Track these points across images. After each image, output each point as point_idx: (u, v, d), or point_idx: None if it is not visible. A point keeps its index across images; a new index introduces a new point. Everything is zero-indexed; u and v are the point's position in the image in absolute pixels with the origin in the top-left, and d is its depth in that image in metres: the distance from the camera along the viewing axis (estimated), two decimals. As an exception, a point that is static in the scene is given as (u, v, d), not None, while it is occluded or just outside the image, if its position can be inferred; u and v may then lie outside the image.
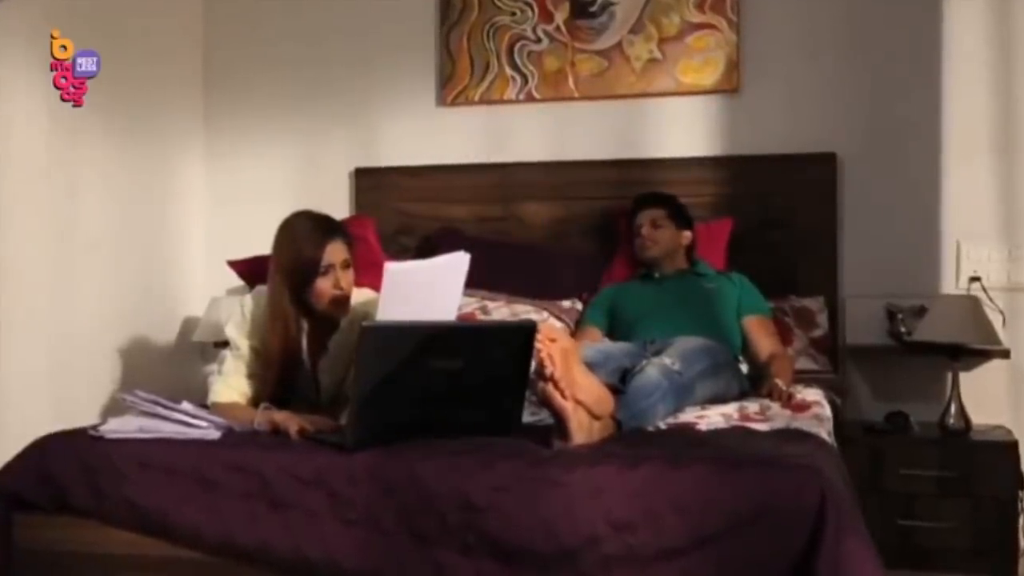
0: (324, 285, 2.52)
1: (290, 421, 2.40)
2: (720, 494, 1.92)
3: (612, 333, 3.23)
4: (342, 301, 2.56)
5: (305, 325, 2.60)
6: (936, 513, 3.09)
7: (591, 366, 2.39)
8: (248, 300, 2.63)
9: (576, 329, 3.32)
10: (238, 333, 2.60)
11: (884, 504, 3.07)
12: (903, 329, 3.38)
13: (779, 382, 2.82)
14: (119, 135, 3.68)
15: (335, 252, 2.53)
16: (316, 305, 2.55)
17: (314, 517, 2.11)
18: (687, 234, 3.36)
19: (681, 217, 3.37)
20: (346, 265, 2.55)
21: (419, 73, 3.97)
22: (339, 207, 3.98)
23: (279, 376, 2.56)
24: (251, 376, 2.59)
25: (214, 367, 2.62)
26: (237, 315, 2.63)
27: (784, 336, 3.28)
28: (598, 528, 1.94)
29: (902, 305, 3.42)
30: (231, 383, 2.58)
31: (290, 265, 2.52)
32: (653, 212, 3.35)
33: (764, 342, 3.10)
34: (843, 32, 3.63)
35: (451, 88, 3.92)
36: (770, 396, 2.77)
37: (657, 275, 3.34)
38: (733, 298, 3.18)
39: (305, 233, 2.54)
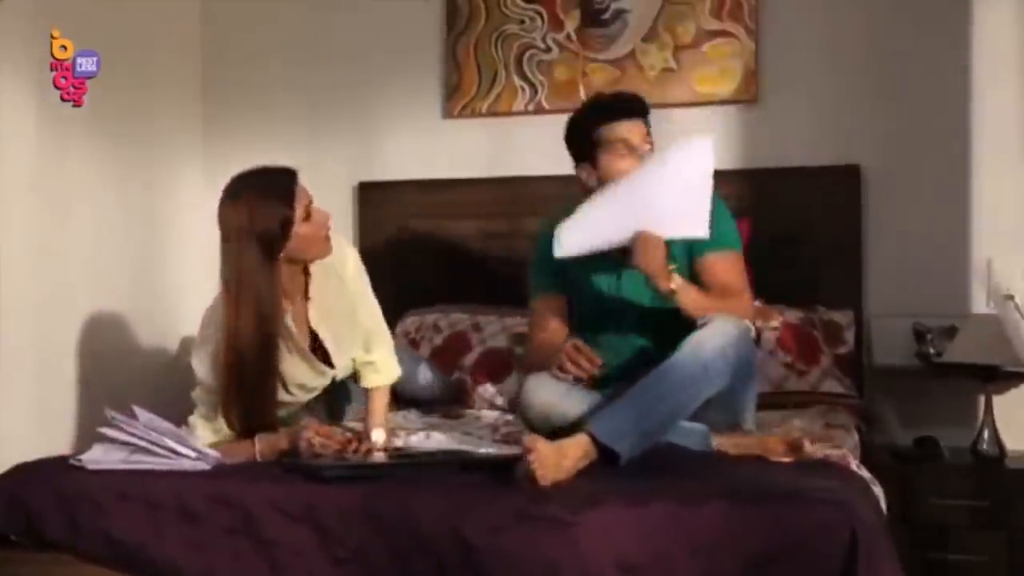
0: (309, 230, 2.40)
1: (299, 439, 2.32)
2: (739, 533, 1.77)
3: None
4: (328, 237, 2.47)
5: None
6: (969, 545, 2.92)
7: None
8: (209, 329, 2.46)
9: (532, 301, 2.77)
10: (208, 366, 2.43)
11: (913, 536, 2.90)
12: (932, 350, 3.21)
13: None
14: (114, 150, 3.57)
15: (303, 194, 2.42)
16: (299, 256, 2.43)
17: (302, 555, 1.97)
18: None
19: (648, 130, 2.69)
20: (311, 201, 2.45)
21: (424, 84, 3.85)
22: (342, 222, 3.84)
23: (268, 360, 2.39)
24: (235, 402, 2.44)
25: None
26: (201, 347, 2.47)
27: (810, 353, 3.11)
28: (605, 571, 1.79)
29: (931, 325, 3.25)
30: (214, 425, 2.44)
31: (264, 232, 2.34)
32: (639, 125, 2.65)
33: (719, 277, 2.54)
34: (866, 39, 3.48)
35: (457, 100, 3.79)
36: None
37: None
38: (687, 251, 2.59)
39: (267, 191, 2.39)
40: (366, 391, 2.67)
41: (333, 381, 2.66)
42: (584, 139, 2.65)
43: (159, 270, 3.84)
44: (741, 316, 2.46)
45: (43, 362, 3.24)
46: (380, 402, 2.64)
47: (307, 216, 2.41)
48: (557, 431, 2.25)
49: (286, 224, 2.37)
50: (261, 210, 2.36)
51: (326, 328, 2.54)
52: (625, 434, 2.12)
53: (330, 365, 2.57)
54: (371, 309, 2.68)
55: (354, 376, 2.69)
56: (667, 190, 2.47)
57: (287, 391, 2.53)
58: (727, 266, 2.60)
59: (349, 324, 2.59)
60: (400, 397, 2.98)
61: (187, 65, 4.04)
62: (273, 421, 2.45)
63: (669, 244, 2.50)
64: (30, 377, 3.18)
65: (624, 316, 2.63)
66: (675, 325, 2.43)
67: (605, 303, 2.64)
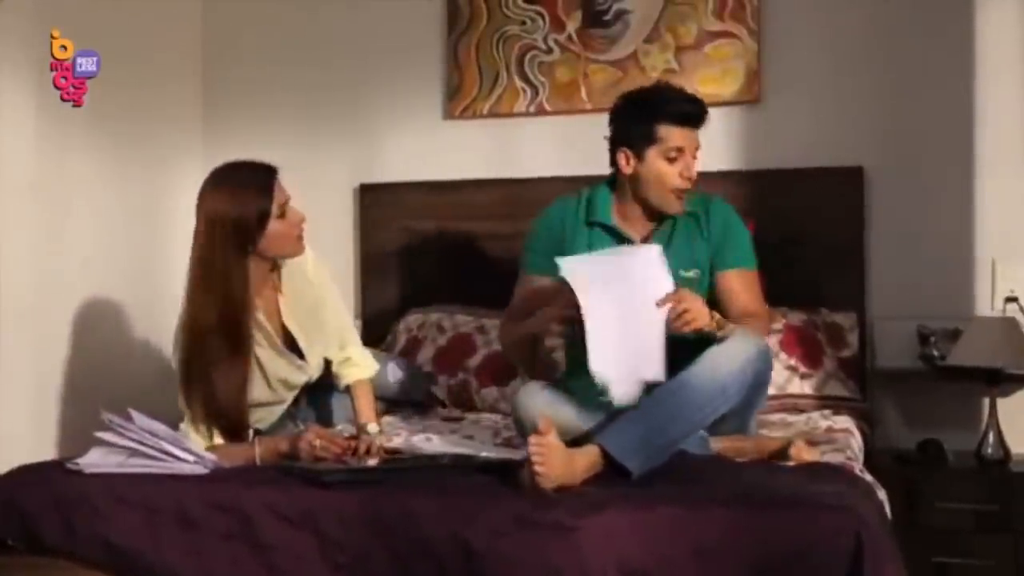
0: (282, 227, 2.42)
1: (300, 441, 2.30)
2: (744, 539, 1.75)
3: None
4: (301, 237, 2.48)
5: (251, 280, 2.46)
6: (974, 549, 2.90)
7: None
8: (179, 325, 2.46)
9: (521, 274, 2.69)
10: None
11: (918, 540, 2.86)
12: (936, 353, 3.20)
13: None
14: (114, 150, 3.55)
15: (281, 191, 2.44)
16: (270, 252, 2.45)
17: (301, 560, 1.95)
18: None
19: None
20: (288, 200, 2.46)
21: (425, 85, 3.82)
22: (343, 224, 3.88)
23: (238, 349, 2.39)
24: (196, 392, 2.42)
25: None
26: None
27: (813, 355, 3.09)
28: (608, 576, 1.77)
29: (934, 327, 3.24)
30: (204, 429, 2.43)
31: (240, 219, 2.37)
32: (696, 136, 2.57)
33: (741, 298, 2.53)
34: (869, 40, 3.46)
35: (458, 101, 3.77)
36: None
37: (621, 232, 2.60)
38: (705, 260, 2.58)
39: (247, 182, 2.42)
40: (348, 389, 2.66)
41: (315, 387, 2.65)
42: (641, 129, 2.55)
43: (159, 270, 3.80)
44: (760, 334, 2.44)
45: (41, 363, 3.22)
46: (366, 397, 2.63)
47: (282, 214, 2.43)
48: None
49: (263, 216, 2.39)
50: (239, 200, 2.39)
51: (296, 323, 2.55)
52: (637, 450, 2.08)
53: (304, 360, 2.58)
54: (336, 306, 2.68)
55: (332, 379, 2.68)
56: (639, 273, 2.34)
57: (270, 387, 2.52)
58: (747, 285, 2.58)
59: (317, 320, 2.60)
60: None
61: (187, 65, 4.02)
62: (245, 418, 2.44)
63: (691, 252, 2.53)
64: (28, 378, 3.16)
65: None
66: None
67: None
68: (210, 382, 2.38)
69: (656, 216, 2.61)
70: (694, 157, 2.56)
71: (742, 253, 2.61)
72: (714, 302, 2.57)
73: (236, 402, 2.41)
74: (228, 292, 2.38)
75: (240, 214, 2.37)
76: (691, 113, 2.55)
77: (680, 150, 2.53)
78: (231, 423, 2.41)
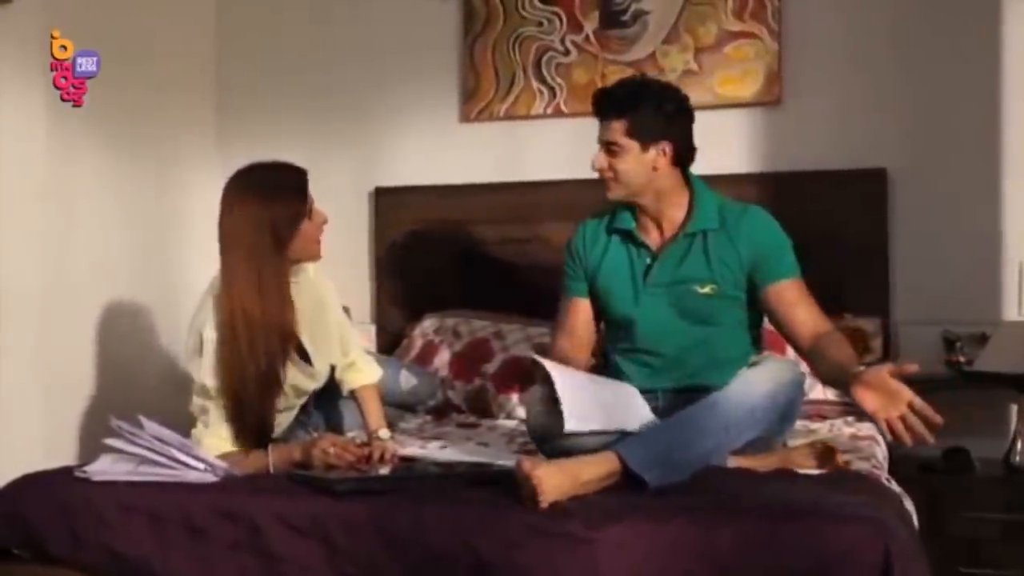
0: (311, 229, 2.40)
1: (313, 448, 2.28)
2: (766, 551, 1.69)
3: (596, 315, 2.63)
4: (320, 239, 2.46)
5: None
6: (1002, 560, 2.84)
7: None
8: (208, 332, 2.39)
9: (562, 300, 2.67)
10: (208, 369, 2.37)
11: (945, 550, 2.81)
12: (962, 358, 3.13)
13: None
14: (126, 152, 3.53)
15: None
16: (295, 254, 2.40)
17: (308, 570, 1.91)
18: (663, 149, 2.44)
19: (652, 126, 2.43)
20: (313, 201, 2.44)
21: (441, 88, 3.79)
22: (359, 228, 3.86)
23: (282, 352, 2.37)
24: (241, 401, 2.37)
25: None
26: (197, 353, 2.40)
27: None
28: (624, 589, 1.71)
29: (961, 332, 3.17)
30: (222, 433, 2.37)
31: (279, 220, 2.33)
32: (608, 128, 2.46)
33: (804, 314, 2.40)
34: (893, 39, 3.40)
35: (474, 103, 3.73)
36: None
37: (638, 239, 2.54)
38: (741, 277, 2.47)
39: (284, 183, 2.39)
40: (353, 395, 2.63)
41: (322, 393, 2.63)
42: None
43: (171, 274, 3.79)
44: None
45: (51, 369, 3.19)
46: (374, 403, 2.60)
47: (311, 215, 2.41)
48: (569, 448, 2.18)
49: (298, 217, 2.36)
50: (277, 200, 2.36)
51: (303, 327, 2.50)
52: (656, 462, 2.00)
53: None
54: (337, 310, 2.65)
55: (336, 386, 2.64)
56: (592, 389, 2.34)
57: (283, 393, 2.48)
58: (805, 296, 2.46)
59: (322, 325, 2.57)
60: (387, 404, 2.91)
61: (201, 68, 4.00)
62: (271, 422, 2.41)
63: (708, 266, 2.46)
64: (38, 384, 3.14)
65: (645, 338, 2.52)
66: (694, 349, 2.42)
67: (626, 323, 2.54)
68: (245, 384, 2.33)
69: (666, 222, 2.53)
70: (608, 151, 2.46)
71: (790, 262, 2.48)
72: (752, 321, 2.55)
73: (268, 406, 2.38)
74: (269, 296, 2.34)
75: (280, 214, 2.34)
76: (596, 107, 2.50)
77: (602, 144, 2.49)
78: (258, 427, 2.37)
